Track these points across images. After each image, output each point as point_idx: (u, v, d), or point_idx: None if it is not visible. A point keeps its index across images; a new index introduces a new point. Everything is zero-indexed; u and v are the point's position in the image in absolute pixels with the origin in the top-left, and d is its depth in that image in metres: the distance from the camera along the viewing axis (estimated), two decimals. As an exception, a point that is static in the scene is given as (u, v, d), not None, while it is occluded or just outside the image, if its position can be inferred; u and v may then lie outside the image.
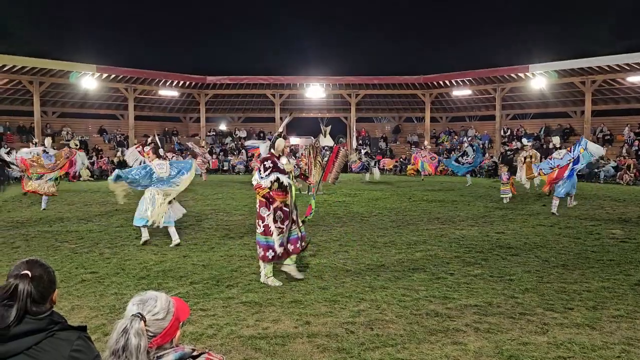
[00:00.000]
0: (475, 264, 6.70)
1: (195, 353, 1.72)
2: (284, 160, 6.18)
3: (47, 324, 1.74)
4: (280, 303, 5.08)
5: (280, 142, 6.10)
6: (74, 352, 1.73)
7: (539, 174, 11.69)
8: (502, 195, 13.55)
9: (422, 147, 22.90)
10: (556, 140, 13.45)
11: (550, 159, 11.54)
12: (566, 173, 10.97)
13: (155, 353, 1.68)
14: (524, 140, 16.31)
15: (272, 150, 6.11)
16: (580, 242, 8.06)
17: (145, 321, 1.66)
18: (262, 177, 5.73)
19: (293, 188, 6.06)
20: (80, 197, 14.69)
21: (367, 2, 48.67)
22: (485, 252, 7.36)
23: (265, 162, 5.82)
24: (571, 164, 10.95)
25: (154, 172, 7.83)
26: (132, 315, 1.65)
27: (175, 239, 7.91)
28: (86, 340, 1.79)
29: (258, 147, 15.30)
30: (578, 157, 10.94)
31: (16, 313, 1.69)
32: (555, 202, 11.09)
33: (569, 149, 11.57)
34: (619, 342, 4.05)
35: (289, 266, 6.02)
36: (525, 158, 13.91)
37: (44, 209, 11.53)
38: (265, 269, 5.82)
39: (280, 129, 7.04)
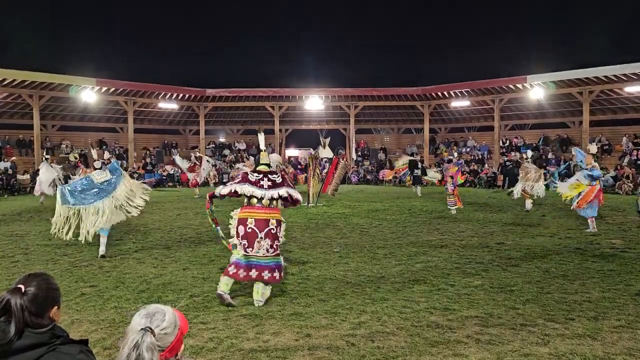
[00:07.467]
0: (475, 275, 6.69)
1: None
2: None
3: (49, 338, 1.73)
4: (280, 315, 5.06)
5: (273, 156, 6.18)
6: None
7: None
8: (449, 207, 13.46)
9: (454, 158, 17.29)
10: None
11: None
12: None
13: None
14: None
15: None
16: (580, 252, 8.06)
17: (154, 335, 1.64)
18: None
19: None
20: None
21: (365, 14, 49.10)
22: (485, 263, 7.36)
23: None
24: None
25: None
26: (142, 329, 1.63)
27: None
28: (88, 354, 1.79)
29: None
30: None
31: (16, 327, 1.69)
32: None
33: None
34: (621, 353, 4.03)
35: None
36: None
37: None
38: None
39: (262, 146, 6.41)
